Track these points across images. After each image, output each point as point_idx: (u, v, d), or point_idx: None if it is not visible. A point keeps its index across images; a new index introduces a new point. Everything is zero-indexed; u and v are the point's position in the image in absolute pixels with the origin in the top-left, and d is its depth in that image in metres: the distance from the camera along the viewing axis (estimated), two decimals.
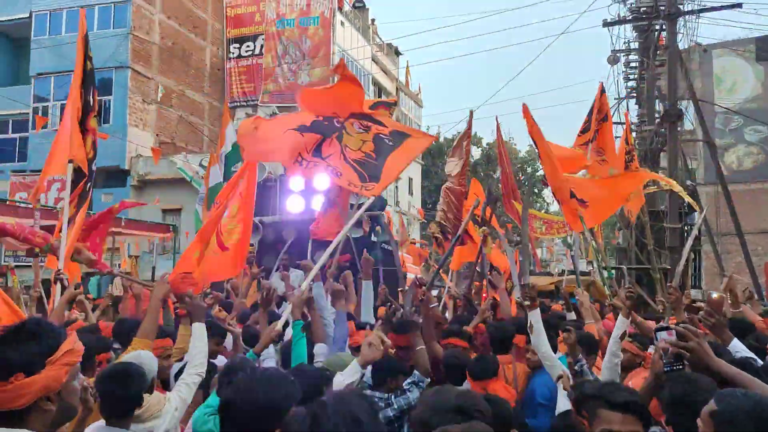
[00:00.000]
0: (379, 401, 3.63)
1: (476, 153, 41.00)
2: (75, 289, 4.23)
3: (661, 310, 6.81)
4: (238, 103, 26.89)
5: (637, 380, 3.66)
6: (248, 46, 26.80)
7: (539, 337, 3.98)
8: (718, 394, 2.05)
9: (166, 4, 25.02)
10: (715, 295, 4.82)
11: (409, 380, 3.81)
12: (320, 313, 5.13)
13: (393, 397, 3.70)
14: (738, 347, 3.65)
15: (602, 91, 7.94)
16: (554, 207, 20.57)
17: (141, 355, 3.36)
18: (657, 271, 9.58)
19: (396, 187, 32.74)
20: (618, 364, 3.79)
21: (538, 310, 4.05)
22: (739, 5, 12.72)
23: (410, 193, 34.42)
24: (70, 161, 4.81)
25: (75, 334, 1.95)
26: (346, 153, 4.67)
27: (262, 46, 26.65)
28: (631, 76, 18.37)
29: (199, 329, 3.65)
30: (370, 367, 3.65)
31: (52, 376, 1.78)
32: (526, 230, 6.10)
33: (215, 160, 9.95)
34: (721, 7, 13.20)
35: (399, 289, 7.64)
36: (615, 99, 18.19)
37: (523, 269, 5.14)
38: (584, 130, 8.01)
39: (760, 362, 3.33)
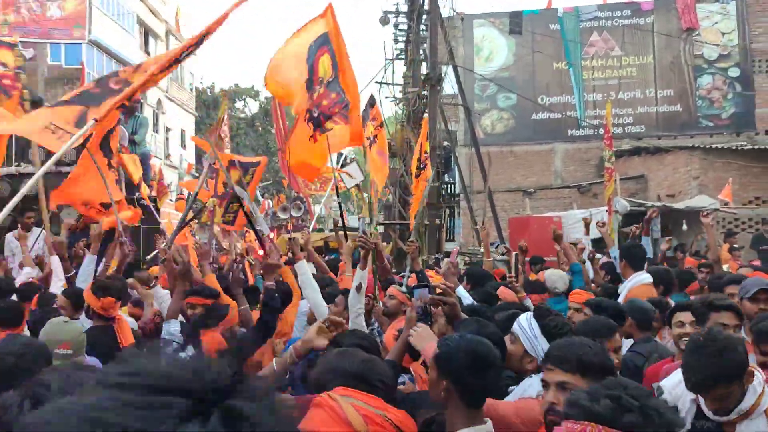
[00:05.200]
0: None
1: (254, 106, 39.87)
2: None
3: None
4: None
5: (399, 325, 3.75)
6: None
7: (306, 289, 4.33)
8: (440, 340, 2.35)
9: None
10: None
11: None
12: None
13: None
14: (462, 294, 4.36)
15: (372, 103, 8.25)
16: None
17: None
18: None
19: (167, 138, 30.61)
20: (360, 315, 4.05)
21: (303, 262, 4.42)
22: None
23: (183, 146, 32.34)
24: None
25: None
26: None
27: None
28: (400, 39, 19.02)
29: None
30: None
31: None
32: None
33: None
34: None
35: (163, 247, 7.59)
36: (386, 60, 18.66)
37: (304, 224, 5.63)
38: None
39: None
